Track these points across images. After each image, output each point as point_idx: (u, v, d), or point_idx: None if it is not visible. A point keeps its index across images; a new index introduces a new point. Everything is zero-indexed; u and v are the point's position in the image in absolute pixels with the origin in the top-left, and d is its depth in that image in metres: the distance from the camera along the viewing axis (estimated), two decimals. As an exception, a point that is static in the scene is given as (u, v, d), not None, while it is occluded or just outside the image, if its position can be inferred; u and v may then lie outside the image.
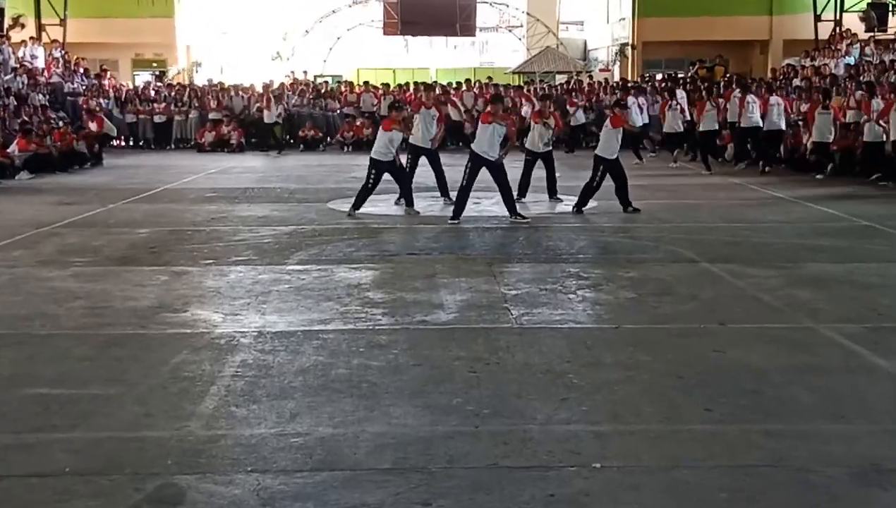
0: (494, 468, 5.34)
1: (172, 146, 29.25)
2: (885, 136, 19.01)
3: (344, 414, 6.15)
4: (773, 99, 22.06)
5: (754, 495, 5.02)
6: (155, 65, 36.60)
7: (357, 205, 14.84)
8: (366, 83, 31.16)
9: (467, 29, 38.42)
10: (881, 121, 19.08)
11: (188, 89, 31.23)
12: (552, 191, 16.49)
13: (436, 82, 30.38)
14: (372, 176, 14.75)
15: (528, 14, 41.33)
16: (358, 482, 5.17)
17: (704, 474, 5.26)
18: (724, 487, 5.10)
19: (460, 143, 26.61)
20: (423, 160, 16.25)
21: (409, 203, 15.16)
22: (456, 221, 13.97)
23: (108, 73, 31.57)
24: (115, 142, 28.40)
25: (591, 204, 15.26)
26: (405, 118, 15.98)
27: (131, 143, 29.92)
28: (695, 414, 6.18)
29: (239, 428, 5.93)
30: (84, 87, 29.57)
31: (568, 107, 28.26)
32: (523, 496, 4.99)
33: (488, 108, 14.54)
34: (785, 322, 8.46)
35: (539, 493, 5.01)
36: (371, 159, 14.89)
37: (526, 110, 28.64)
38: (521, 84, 34.62)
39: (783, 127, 21.88)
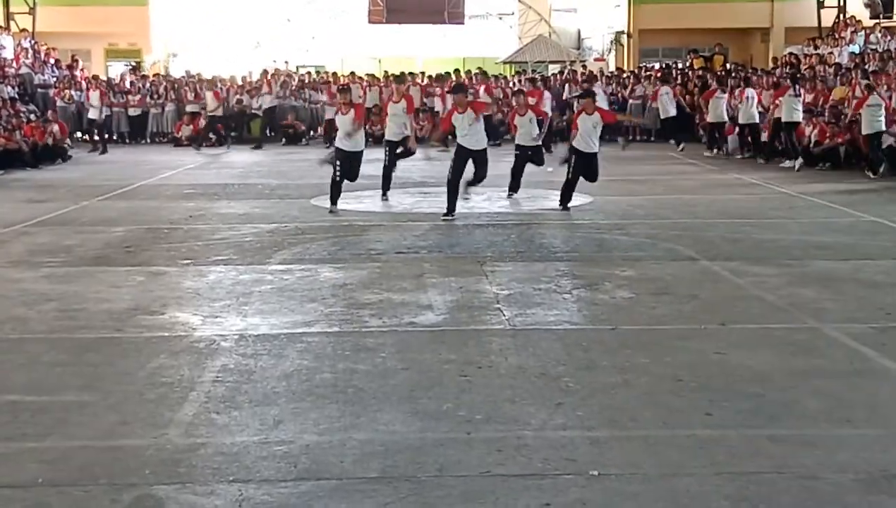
0: (487, 476, 5.21)
1: (148, 140, 28.90)
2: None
3: (329, 421, 6.00)
4: (749, 92, 22.93)
5: (758, 503, 4.89)
6: (129, 58, 36.19)
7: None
8: (352, 74, 30.81)
9: (456, 17, 38.16)
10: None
11: (164, 81, 30.89)
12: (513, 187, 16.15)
13: (403, 73, 30.11)
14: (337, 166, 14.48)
15: (519, 1, 41.17)
16: (345, 491, 5.05)
17: (706, 481, 5.13)
18: (726, 495, 4.97)
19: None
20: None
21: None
22: (451, 217, 13.74)
23: (80, 63, 31.10)
24: (87, 137, 28.05)
25: (586, 199, 15.07)
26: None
27: (105, 137, 29.49)
28: (695, 418, 6.04)
29: (220, 436, 5.79)
30: (55, 79, 29.21)
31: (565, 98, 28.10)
32: (517, 505, 4.88)
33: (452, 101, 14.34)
34: (789, 322, 8.33)
35: (533, 502, 4.90)
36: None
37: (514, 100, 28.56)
38: (514, 73, 34.40)
39: (756, 120, 22.83)
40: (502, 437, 5.70)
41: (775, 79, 24.96)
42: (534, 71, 35.02)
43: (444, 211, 13.93)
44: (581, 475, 5.19)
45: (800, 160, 20.78)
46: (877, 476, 5.17)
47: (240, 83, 30.40)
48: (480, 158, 13.99)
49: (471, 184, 14.20)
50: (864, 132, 19.49)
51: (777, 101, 22.02)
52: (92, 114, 26.87)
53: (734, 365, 7.11)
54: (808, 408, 6.20)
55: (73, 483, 5.14)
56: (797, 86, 22.17)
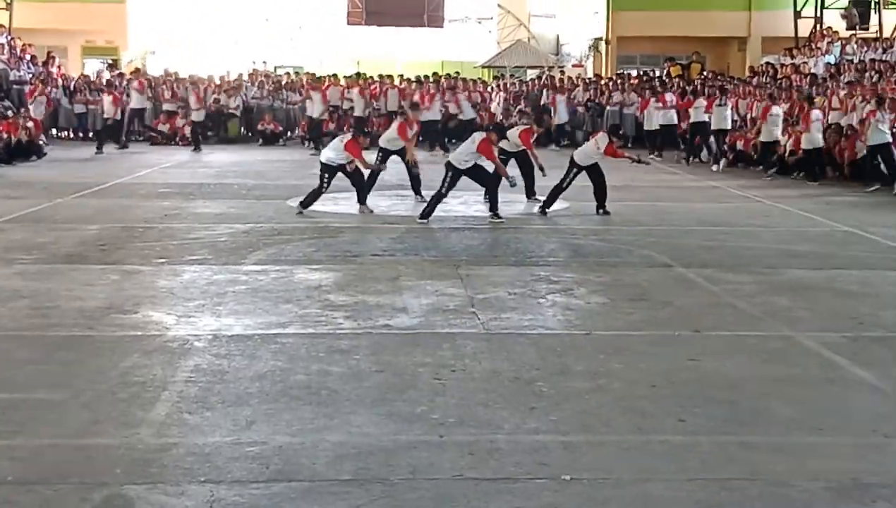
0: (459, 479, 5.18)
1: (124, 138, 28.65)
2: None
3: (302, 423, 5.96)
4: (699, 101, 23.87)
5: (730, 510, 4.88)
6: (106, 55, 35.92)
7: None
8: (333, 76, 30.71)
9: (435, 20, 38.18)
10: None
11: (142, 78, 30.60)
12: (530, 193, 16.25)
13: (400, 76, 30.16)
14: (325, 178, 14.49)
15: (498, 6, 41.19)
16: (316, 493, 5.01)
17: (678, 487, 5.13)
18: (698, 501, 4.97)
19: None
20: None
21: (362, 200, 14.95)
22: (425, 222, 13.74)
23: (57, 60, 30.83)
24: (63, 134, 27.83)
25: (562, 205, 15.09)
26: None
27: (80, 135, 29.28)
28: (668, 424, 6.04)
29: (192, 436, 5.74)
30: (31, 75, 28.94)
31: (550, 105, 28.13)
32: (489, 509, 4.83)
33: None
34: (762, 330, 8.34)
35: (506, 506, 4.88)
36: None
37: (495, 106, 28.59)
38: (493, 77, 34.43)
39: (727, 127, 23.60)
40: (475, 441, 5.68)
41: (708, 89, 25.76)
42: (512, 76, 35.07)
43: (421, 213, 13.96)
44: (553, 479, 5.17)
45: (723, 162, 22.54)
46: (847, 484, 5.18)
47: (217, 82, 30.23)
48: (475, 174, 14.01)
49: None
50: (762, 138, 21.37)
51: (710, 109, 23.26)
52: (107, 113, 26.58)
53: (708, 371, 7.11)
54: (781, 416, 6.20)
55: (43, 481, 5.09)
56: (724, 97, 23.75)
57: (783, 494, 5.05)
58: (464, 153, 13.95)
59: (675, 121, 24.82)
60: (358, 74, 30.66)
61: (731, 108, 23.95)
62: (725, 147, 23.56)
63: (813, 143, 20.27)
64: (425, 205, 14.21)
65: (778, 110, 21.78)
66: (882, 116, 18.78)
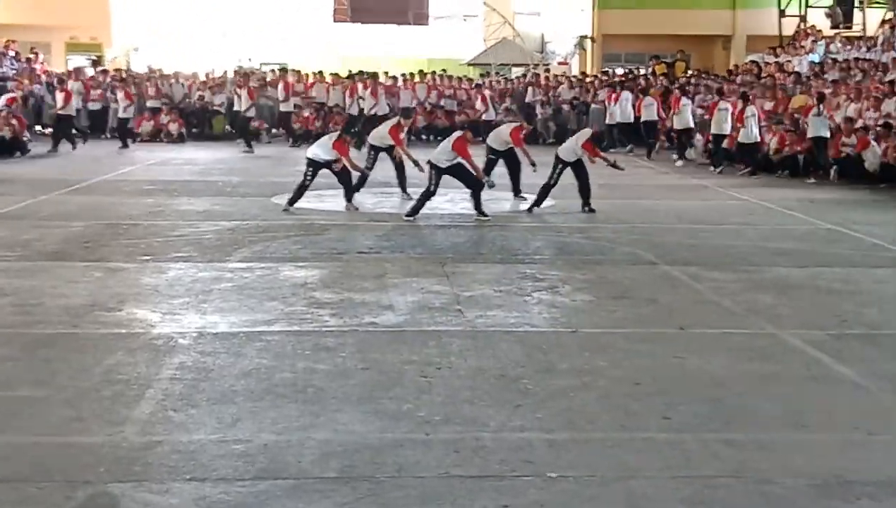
0: (446, 477, 5.20)
1: (108, 135, 28.47)
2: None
3: (288, 420, 5.95)
4: (684, 100, 24.14)
5: (714, 506, 4.92)
6: (90, 52, 35.71)
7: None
8: (319, 72, 30.60)
9: (420, 17, 38.16)
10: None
11: (126, 75, 30.51)
12: (517, 190, 16.27)
13: (385, 72, 30.06)
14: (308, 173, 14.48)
15: (484, 3, 41.15)
16: (302, 491, 5.01)
17: (662, 484, 5.15)
18: (682, 498, 4.99)
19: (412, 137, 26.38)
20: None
21: (349, 198, 14.93)
22: (411, 219, 13.74)
23: (40, 56, 30.64)
24: (48, 131, 27.57)
25: (549, 202, 15.10)
26: None
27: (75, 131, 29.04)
28: (652, 422, 6.06)
29: (176, 434, 5.73)
30: (14, 72, 28.76)
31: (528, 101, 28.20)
32: (475, 506, 4.87)
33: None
34: (746, 327, 8.36)
35: (491, 503, 4.89)
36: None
37: (480, 105, 28.56)
38: (479, 75, 34.38)
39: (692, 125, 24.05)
40: (461, 438, 5.69)
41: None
42: (497, 73, 35.04)
43: (408, 211, 13.96)
44: (539, 476, 5.18)
45: (682, 161, 23.27)
46: (831, 481, 5.20)
47: (203, 79, 30.13)
48: (456, 172, 13.97)
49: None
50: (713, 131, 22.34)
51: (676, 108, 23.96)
52: (121, 113, 26.22)
53: (692, 369, 7.13)
54: (765, 413, 6.23)
55: (26, 479, 5.08)
56: (686, 96, 24.73)
57: (767, 491, 5.07)
58: (443, 152, 13.93)
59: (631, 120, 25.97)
60: (364, 72, 30.50)
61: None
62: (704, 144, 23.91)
63: (748, 138, 21.43)
64: (413, 202, 14.21)
65: (752, 110, 21.92)
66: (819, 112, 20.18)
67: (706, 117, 24.17)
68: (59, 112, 24.73)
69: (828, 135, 20.71)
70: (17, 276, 9.86)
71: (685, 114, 23.83)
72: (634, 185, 18.77)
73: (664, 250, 11.76)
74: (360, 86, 27.74)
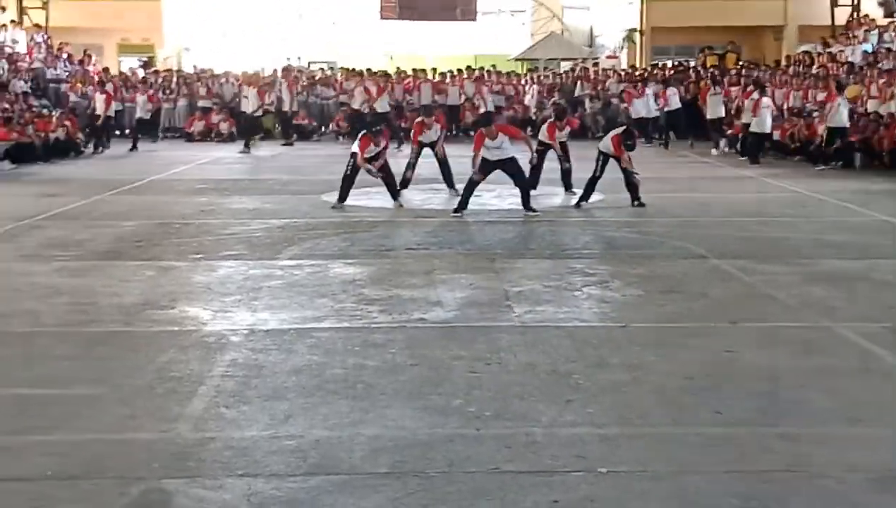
0: (496, 472, 5.17)
1: (160, 135, 28.79)
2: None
3: (339, 416, 5.97)
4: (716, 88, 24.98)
5: (768, 502, 4.86)
6: (142, 53, 36.08)
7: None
8: (369, 69, 30.63)
9: (468, 13, 37.99)
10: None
11: (176, 76, 30.80)
12: (567, 185, 16.23)
13: (433, 69, 30.12)
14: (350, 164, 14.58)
15: (532, -2, 41.01)
16: (353, 487, 5.02)
17: (715, 480, 5.10)
18: (736, 493, 4.94)
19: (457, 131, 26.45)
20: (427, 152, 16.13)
21: (394, 196, 14.93)
22: (459, 215, 13.74)
23: (93, 58, 30.99)
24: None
25: (597, 197, 15.04)
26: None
27: (117, 133, 29.39)
28: (705, 416, 6.01)
29: (229, 430, 5.76)
30: (67, 74, 29.13)
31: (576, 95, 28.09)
32: (526, 502, 4.84)
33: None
34: (799, 321, 8.28)
35: (542, 499, 4.86)
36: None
37: (529, 99, 28.49)
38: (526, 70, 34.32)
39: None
40: (511, 434, 5.67)
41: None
42: (545, 68, 34.92)
43: (455, 206, 13.96)
44: (590, 472, 5.15)
45: (722, 143, 23.95)
46: (886, 475, 5.13)
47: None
48: (506, 164, 13.95)
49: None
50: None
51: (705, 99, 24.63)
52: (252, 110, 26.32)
53: (744, 363, 7.07)
54: (819, 407, 6.15)
55: (82, 476, 5.12)
56: (717, 86, 25.38)
57: (822, 486, 5.01)
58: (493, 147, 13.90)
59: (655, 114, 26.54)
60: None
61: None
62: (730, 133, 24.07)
63: (761, 127, 21.75)
64: (459, 197, 14.23)
65: (768, 101, 22.32)
66: (843, 101, 20.62)
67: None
68: (99, 113, 24.84)
69: (847, 124, 20.99)
70: (72, 275, 10.00)
71: (717, 106, 24.41)
72: (684, 178, 18.67)
73: (715, 243, 11.66)
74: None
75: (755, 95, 22.19)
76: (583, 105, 28.73)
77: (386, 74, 29.85)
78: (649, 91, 26.73)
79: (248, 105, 25.73)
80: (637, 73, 30.91)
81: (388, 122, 22.76)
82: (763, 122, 21.87)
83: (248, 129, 25.82)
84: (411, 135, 16.88)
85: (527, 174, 14.63)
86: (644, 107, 26.41)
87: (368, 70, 30.44)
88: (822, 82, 24.05)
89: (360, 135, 14.68)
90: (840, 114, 20.97)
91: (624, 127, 15.91)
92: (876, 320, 8.21)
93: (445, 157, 16.27)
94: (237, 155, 24.18)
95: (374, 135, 14.63)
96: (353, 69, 31.07)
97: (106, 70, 29.86)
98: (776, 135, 23.23)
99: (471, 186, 13.96)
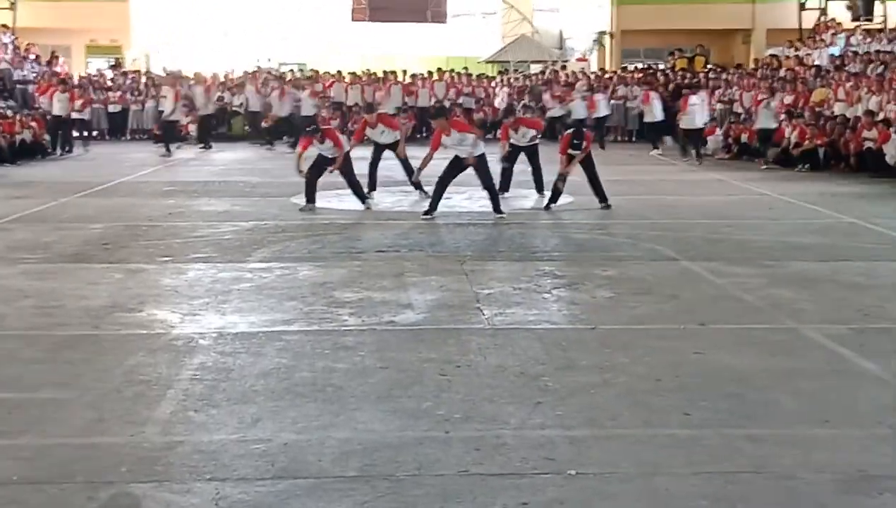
0: (465, 475, 5.16)
1: (128, 137, 28.56)
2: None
3: (308, 420, 5.95)
4: (692, 98, 23.63)
5: (736, 503, 4.88)
6: (110, 54, 35.81)
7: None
8: (338, 72, 30.65)
9: (438, 15, 38.11)
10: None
11: (145, 77, 30.58)
12: (539, 187, 16.24)
13: (403, 71, 30.10)
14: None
15: (502, 0, 41.06)
16: (322, 490, 5.00)
17: (684, 481, 5.11)
18: (705, 495, 4.95)
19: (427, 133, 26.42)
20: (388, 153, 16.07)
21: (363, 199, 14.87)
22: (430, 217, 13.74)
23: (61, 59, 30.74)
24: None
25: (567, 199, 15.07)
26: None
27: (85, 134, 29.16)
28: (674, 418, 6.02)
29: (197, 434, 5.73)
30: (35, 75, 28.88)
31: (545, 97, 28.08)
32: (495, 504, 4.84)
33: (436, 127, 14.24)
34: (767, 322, 8.32)
35: (512, 501, 4.86)
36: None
37: (499, 101, 28.53)
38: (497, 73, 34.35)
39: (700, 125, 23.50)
40: (481, 436, 5.66)
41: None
42: (516, 70, 34.99)
43: (426, 209, 13.95)
44: (559, 474, 5.15)
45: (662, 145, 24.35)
46: (854, 476, 5.15)
47: (221, 80, 30.21)
48: (476, 166, 13.96)
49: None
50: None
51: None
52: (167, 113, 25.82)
53: (713, 364, 7.09)
54: (787, 408, 6.18)
55: (49, 480, 5.07)
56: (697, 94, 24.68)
57: (790, 487, 5.03)
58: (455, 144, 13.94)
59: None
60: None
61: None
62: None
63: (690, 124, 22.72)
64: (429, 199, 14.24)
65: (696, 99, 23.00)
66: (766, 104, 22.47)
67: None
68: (58, 113, 24.40)
69: (775, 126, 22.16)
70: (39, 278, 9.91)
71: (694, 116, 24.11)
72: (653, 181, 18.74)
73: (685, 245, 11.72)
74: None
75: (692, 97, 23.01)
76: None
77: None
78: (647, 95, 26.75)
79: (166, 107, 25.13)
80: (607, 76, 31.03)
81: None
82: (692, 120, 22.57)
83: (166, 132, 25.10)
84: (354, 134, 16.80)
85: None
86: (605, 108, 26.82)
87: (338, 72, 30.40)
88: (790, 85, 24.26)
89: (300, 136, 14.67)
90: (765, 116, 22.77)
91: (574, 128, 15.92)
92: (843, 322, 8.26)
93: (407, 158, 16.20)
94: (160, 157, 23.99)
95: (312, 134, 14.62)
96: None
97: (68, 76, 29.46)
98: (744, 138, 23.45)
99: (440, 187, 13.95)
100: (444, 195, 14.11)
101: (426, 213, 13.87)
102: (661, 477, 5.14)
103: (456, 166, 13.95)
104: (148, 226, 13.27)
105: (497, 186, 15.67)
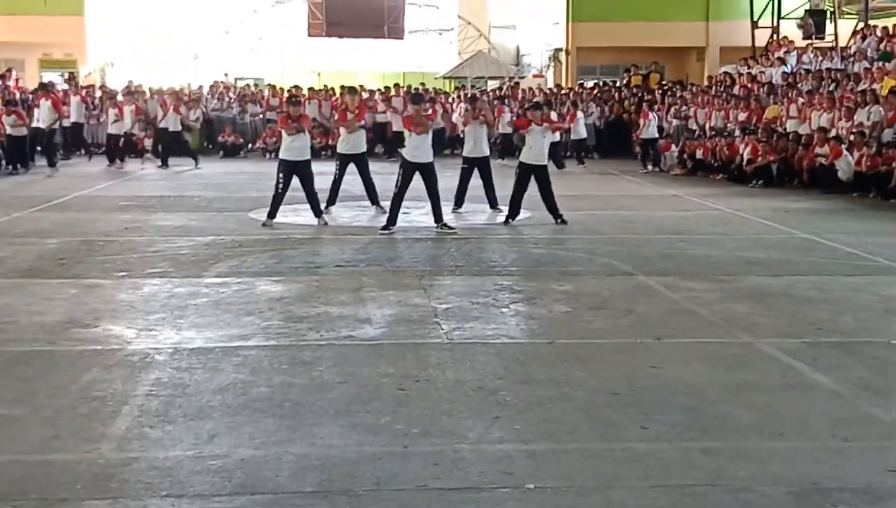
0: (424, 490, 5.16)
1: (83, 151, 28.30)
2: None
3: (265, 435, 5.91)
4: (651, 115, 26.39)
5: (693, 516, 4.88)
6: (65, 68, 35.49)
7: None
8: (296, 87, 30.59)
9: (396, 31, 38.13)
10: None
11: (101, 91, 30.33)
12: (492, 202, 16.28)
13: (361, 86, 30.07)
14: (280, 179, 14.47)
15: (459, 17, 41.24)
16: (280, 506, 4.98)
17: (641, 494, 5.13)
18: (661, 507, 4.93)
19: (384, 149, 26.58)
20: (351, 168, 16.00)
21: (317, 213, 14.81)
22: (388, 231, 13.74)
23: (14, 73, 30.40)
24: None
25: (525, 214, 15.13)
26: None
27: (38, 149, 28.79)
28: (631, 432, 6.05)
29: (153, 451, 5.68)
30: None
31: (496, 114, 28.17)
32: (454, 519, 4.81)
33: (407, 114, 14.25)
34: (722, 337, 8.37)
35: (470, 516, 4.83)
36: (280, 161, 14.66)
37: (457, 116, 28.65)
38: (453, 89, 34.51)
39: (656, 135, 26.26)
40: (439, 451, 5.66)
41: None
42: (473, 86, 35.15)
43: (383, 225, 13.95)
44: (517, 488, 5.16)
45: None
46: (808, 488, 5.20)
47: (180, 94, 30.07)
48: (427, 172, 14.00)
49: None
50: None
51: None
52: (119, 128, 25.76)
53: (669, 378, 7.13)
54: (742, 421, 6.23)
55: (3, 498, 5.01)
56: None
57: (745, 499, 5.06)
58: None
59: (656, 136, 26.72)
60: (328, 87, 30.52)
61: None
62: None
63: (579, 134, 26.59)
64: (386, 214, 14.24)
65: (580, 115, 26.64)
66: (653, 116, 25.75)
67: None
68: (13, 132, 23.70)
69: (656, 136, 25.35)
70: (-8, 294, 9.79)
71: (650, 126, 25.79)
72: (610, 196, 18.86)
73: (641, 260, 11.79)
74: None
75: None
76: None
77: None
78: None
79: (42, 119, 24.42)
80: (563, 92, 31.25)
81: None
82: (650, 130, 25.31)
83: (47, 145, 24.49)
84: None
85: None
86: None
87: (295, 87, 30.34)
88: (743, 103, 24.55)
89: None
90: (649, 128, 25.62)
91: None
92: (797, 336, 8.35)
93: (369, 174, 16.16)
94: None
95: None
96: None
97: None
98: (699, 154, 23.70)
99: (397, 201, 13.96)
100: (402, 209, 14.12)
101: (385, 228, 13.86)
102: (619, 491, 5.16)
103: (409, 175, 13.95)
104: (104, 240, 13.13)
105: (453, 200, 15.78)
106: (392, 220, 13.91)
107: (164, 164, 24.70)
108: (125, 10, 38.53)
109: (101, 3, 36.47)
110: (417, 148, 13.90)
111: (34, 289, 9.99)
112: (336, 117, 16.99)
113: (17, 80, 30.06)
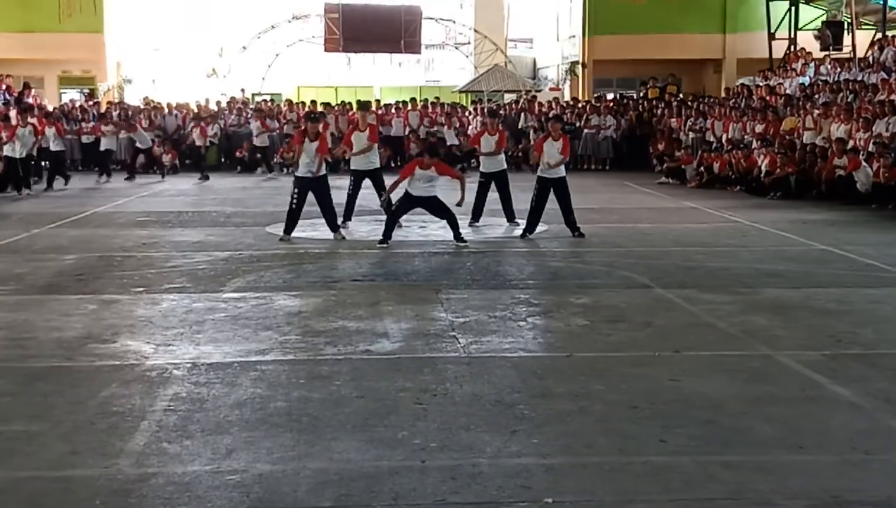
0: (442, 504, 5.15)
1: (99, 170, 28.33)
2: None
3: (283, 450, 5.91)
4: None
5: (713, 530, 4.85)
6: (83, 85, 35.71)
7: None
8: (313, 102, 30.68)
9: (412, 46, 38.19)
10: None
11: (118, 108, 30.51)
12: (510, 215, 16.28)
13: (377, 101, 30.20)
14: (294, 195, 14.51)
15: (475, 31, 41.32)
16: (298, 521, 4.93)
17: (661, 508, 5.07)
18: (681, 522, 4.92)
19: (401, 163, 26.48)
20: (367, 182, 16.04)
21: (334, 228, 14.83)
22: (384, 244, 13.75)
23: (33, 90, 30.58)
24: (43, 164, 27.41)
25: (542, 228, 15.12)
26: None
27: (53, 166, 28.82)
28: (650, 445, 6.03)
29: (171, 466, 5.69)
30: (3, 105, 28.67)
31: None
32: (473, 534, 4.78)
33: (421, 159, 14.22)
34: (741, 349, 8.34)
35: (489, 530, 4.81)
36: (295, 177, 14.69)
37: (472, 129, 28.69)
38: (470, 102, 34.54)
39: None
40: (457, 465, 5.65)
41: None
42: (489, 100, 35.18)
43: (381, 237, 13.98)
44: (536, 502, 5.14)
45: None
46: (829, 501, 5.17)
47: (195, 110, 30.22)
48: (433, 206, 14.02)
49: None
50: None
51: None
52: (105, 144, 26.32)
53: (688, 391, 7.10)
54: (761, 435, 6.20)
55: (22, 514, 5.02)
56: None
57: (765, 513, 5.03)
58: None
59: None
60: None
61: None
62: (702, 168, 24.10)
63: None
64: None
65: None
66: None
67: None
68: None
69: None
70: (11, 310, 9.81)
71: None
72: (628, 209, 18.82)
73: (659, 273, 11.75)
74: None
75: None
76: (527, 136, 28.95)
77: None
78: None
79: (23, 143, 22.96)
80: (580, 105, 31.25)
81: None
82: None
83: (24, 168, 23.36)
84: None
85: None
86: None
87: (312, 102, 30.46)
88: (761, 114, 24.48)
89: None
90: None
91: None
92: (816, 348, 8.31)
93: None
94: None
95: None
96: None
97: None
98: (716, 166, 23.64)
99: (392, 216, 13.99)
100: (419, 224, 14.12)
101: (381, 242, 13.89)
102: (638, 505, 5.14)
103: (407, 203, 13.97)
104: (122, 256, 13.18)
105: (470, 214, 15.78)
106: (387, 234, 13.94)
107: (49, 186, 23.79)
108: (143, 27, 38.71)
109: (120, 19, 36.64)
110: (422, 182, 13.83)
111: (53, 305, 10.03)
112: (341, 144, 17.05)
113: (35, 97, 30.22)
